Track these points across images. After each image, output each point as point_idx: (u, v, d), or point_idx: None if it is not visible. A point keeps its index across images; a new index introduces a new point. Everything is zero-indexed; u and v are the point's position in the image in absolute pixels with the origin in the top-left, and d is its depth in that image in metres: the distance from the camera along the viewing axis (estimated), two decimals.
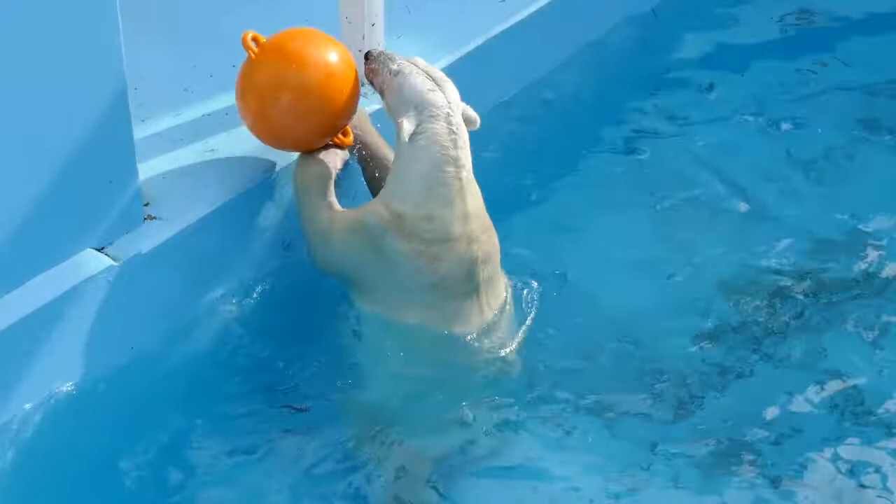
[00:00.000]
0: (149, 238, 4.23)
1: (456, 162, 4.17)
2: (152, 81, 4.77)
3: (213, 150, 4.53)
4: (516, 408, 4.35)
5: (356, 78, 4.37)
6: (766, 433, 4.33)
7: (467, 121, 4.25)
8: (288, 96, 4.28)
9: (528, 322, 4.52)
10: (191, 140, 4.58)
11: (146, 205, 4.30)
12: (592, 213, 5.11)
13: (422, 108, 4.16)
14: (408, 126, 4.13)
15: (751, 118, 5.68)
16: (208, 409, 4.28)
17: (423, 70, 4.25)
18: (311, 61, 4.29)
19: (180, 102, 4.69)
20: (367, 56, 4.35)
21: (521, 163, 5.28)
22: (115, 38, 3.91)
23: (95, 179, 4.08)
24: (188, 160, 4.49)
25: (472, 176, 4.24)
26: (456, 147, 4.17)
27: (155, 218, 4.29)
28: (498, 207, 4.42)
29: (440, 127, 4.15)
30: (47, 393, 4.09)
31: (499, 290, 4.40)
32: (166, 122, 4.66)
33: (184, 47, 4.92)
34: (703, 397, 4.43)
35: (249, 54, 4.29)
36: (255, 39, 4.31)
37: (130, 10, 4.08)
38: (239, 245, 4.43)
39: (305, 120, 4.32)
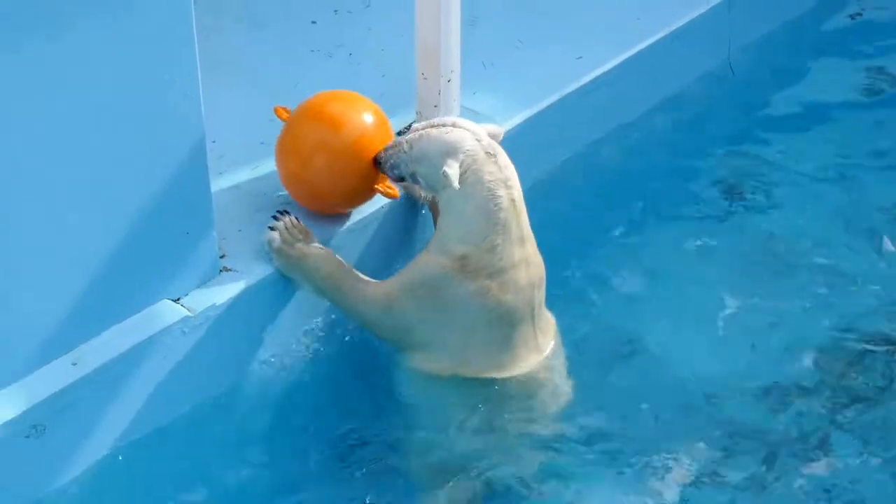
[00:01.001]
0: (224, 290, 4.26)
1: (506, 183, 4.16)
2: (230, 135, 4.83)
3: (289, 202, 4.56)
4: (574, 461, 4.32)
5: (390, 138, 4.43)
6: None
7: (493, 136, 4.25)
8: (322, 157, 4.38)
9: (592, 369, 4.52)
10: (267, 193, 4.62)
11: (222, 257, 4.33)
12: (668, 267, 5.07)
13: (453, 151, 4.15)
14: (453, 172, 4.11)
15: (833, 173, 5.60)
16: (275, 459, 4.29)
17: (426, 126, 4.27)
18: (343, 122, 4.38)
19: (257, 156, 4.73)
20: (377, 160, 4.35)
21: (595, 217, 5.26)
22: (195, 91, 3.97)
23: (173, 231, 4.13)
24: (264, 213, 4.52)
25: (521, 196, 4.23)
26: (501, 169, 4.16)
27: (230, 270, 4.32)
28: (571, 261, 4.41)
29: (479, 157, 4.14)
30: (121, 440, 4.12)
31: (548, 318, 4.39)
32: (243, 175, 4.70)
33: (262, 101, 4.96)
34: (775, 459, 4.36)
35: (283, 119, 4.44)
36: (286, 111, 4.47)
37: (209, 62, 4.14)
38: (313, 299, 4.44)
39: (340, 179, 4.41)
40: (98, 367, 3.99)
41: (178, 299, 4.20)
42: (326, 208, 4.54)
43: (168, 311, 4.16)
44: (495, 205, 4.14)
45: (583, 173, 5.41)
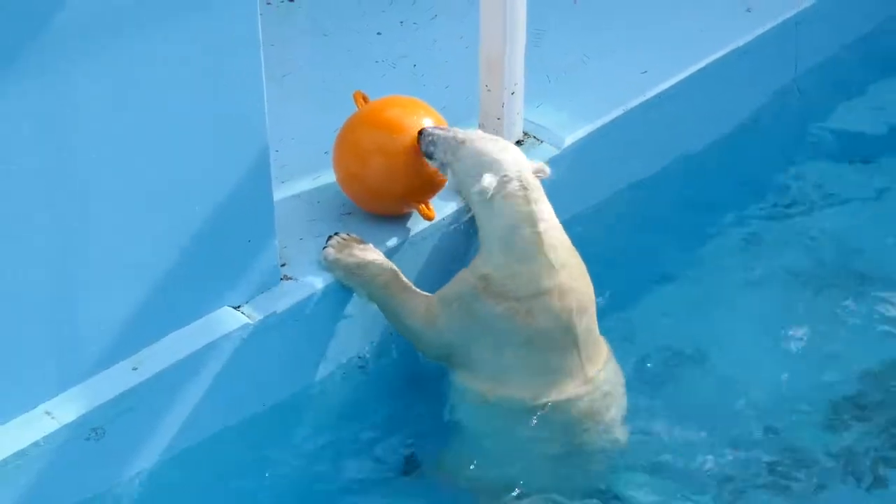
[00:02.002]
0: (284, 298, 4.28)
1: (530, 217, 4.14)
2: (294, 144, 4.86)
3: (349, 213, 4.58)
4: (625, 485, 4.30)
5: None
6: None
7: (537, 171, 4.25)
8: (380, 160, 4.43)
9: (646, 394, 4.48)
10: (328, 202, 4.64)
11: (283, 265, 4.35)
12: (730, 289, 5.03)
13: (496, 169, 4.17)
14: (489, 182, 4.14)
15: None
16: (329, 468, 4.30)
17: (481, 135, 4.32)
18: (402, 125, 4.44)
19: (320, 165, 4.75)
20: (422, 132, 4.38)
21: (658, 236, 5.23)
22: (259, 100, 3.99)
23: (235, 239, 4.16)
24: (325, 222, 4.54)
25: (555, 228, 4.21)
26: (529, 202, 4.15)
27: (291, 278, 4.34)
28: (631, 280, 4.38)
29: (513, 185, 4.15)
30: (179, 445, 4.15)
31: (598, 343, 4.34)
32: (305, 184, 4.73)
33: (326, 111, 4.99)
34: (826, 486, 4.32)
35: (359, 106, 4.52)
36: (364, 98, 4.54)
37: (275, 72, 4.17)
38: (371, 309, 4.45)
39: (394, 182, 4.45)
40: (158, 372, 4.02)
41: (239, 307, 4.23)
42: (382, 209, 4.57)
43: (228, 319, 4.19)
44: (516, 235, 4.15)
45: (645, 188, 5.38)
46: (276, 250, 4.29)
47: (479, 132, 4.37)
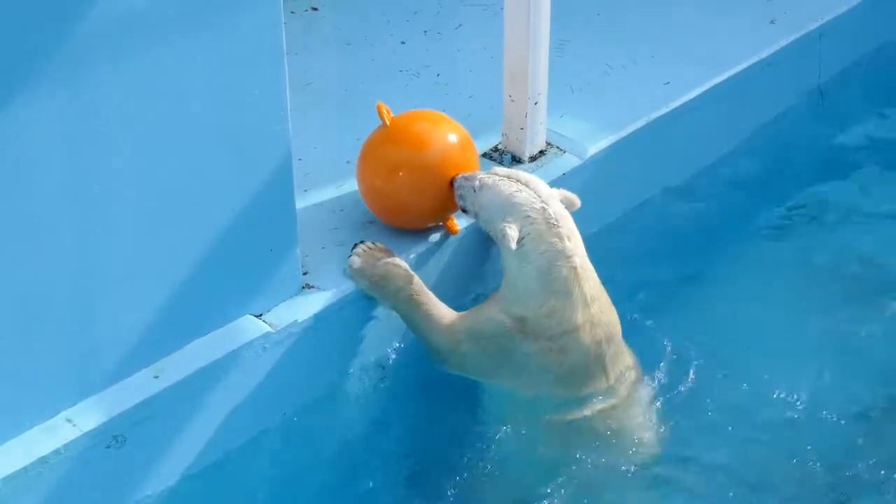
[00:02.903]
0: (306, 307, 4.28)
1: (564, 253, 4.13)
2: (316, 153, 4.86)
3: (371, 221, 4.57)
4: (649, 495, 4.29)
5: (475, 161, 4.49)
6: None
7: (568, 204, 4.23)
8: (405, 174, 4.41)
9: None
10: (351, 211, 4.64)
11: (305, 274, 4.35)
12: (754, 298, 5.01)
13: (516, 212, 4.15)
14: (511, 233, 4.11)
15: None
16: (352, 476, 4.30)
17: (504, 176, 4.26)
18: (428, 141, 4.44)
19: (343, 174, 4.75)
20: (453, 182, 4.38)
21: (681, 246, 5.22)
22: (283, 109, 3.99)
23: (257, 247, 4.16)
24: (347, 231, 4.54)
25: (585, 261, 4.21)
26: (561, 239, 4.14)
27: (313, 287, 4.34)
28: (655, 290, 4.37)
29: (540, 225, 4.13)
30: (201, 453, 4.14)
31: (624, 362, 4.35)
32: (328, 193, 4.73)
33: (349, 120, 5.00)
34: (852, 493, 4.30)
35: (383, 121, 4.44)
36: (387, 109, 4.47)
37: (298, 81, 4.17)
38: (392, 317, 4.44)
39: (420, 198, 4.44)
40: (179, 380, 4.02)
41: (261, 315, 4.23)
42: (405, 224, 4.56)
43: (250, 327, 4.19)
44: (553, 275, 4.14)
45: (668, 198, 5.37)
46: (299, 259, 4.29)
47: (499, 172, 4.31)
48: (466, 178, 4.33)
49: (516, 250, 4.13)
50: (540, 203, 4.16)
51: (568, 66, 5.42)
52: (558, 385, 4.22)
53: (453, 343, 4.26)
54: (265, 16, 3.85)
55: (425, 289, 4.31)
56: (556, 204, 4.20)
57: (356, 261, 4.31)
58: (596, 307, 4.21)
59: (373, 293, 4.33)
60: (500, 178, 4.26)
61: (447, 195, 4.42)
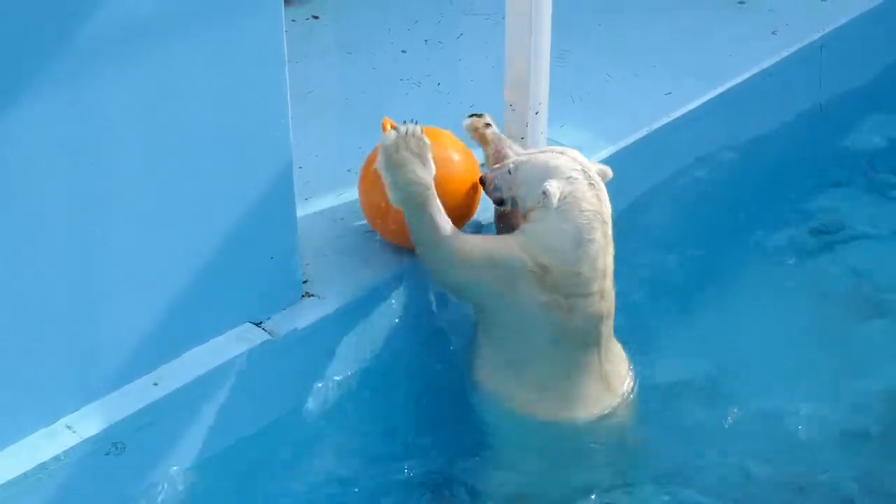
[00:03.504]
0: (306, 315, 4.28)
1: (602, 217, 4.16)
2: (317, 161, 4.86)
3: (372, 230, 4.58)
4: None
5: (477, 173, 4.44)
6: None
7: (602, 175, 4.24)
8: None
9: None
10: (352, 220, 4.64)
11: (305, 282, 4.35)
12: (753, 312, 5.01)
13: (558, 173, 4.15)
14: (553, 190, 4.11)
15: None
16: (351, 483, 4.29)
17: (535, 151, 4.30)
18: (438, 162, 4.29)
19: (344, 182, 4.76)
20: (482, 180, 4.38)
21: (681, 256, 5.22)
22: (284, 116, 4.00)
23: (258, 255, 4.16)
24: (348, 240, 4.55)
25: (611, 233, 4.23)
26: (601, 202, 4.17)
27: (313, 295, 4.34)
28: (650, 297, 4.37)
29: (582, 184, 4.15)
30: (200, 460, 4.14)
31: (615, 350, 4.36)
32: (329, 201, 4.73)
33: (350, 128, 5.01)
34: None
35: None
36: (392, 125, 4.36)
37: (299, 89, 4.17)
38: (391, 327, 4.45)
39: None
40: (179, 387, 4.02)
41: (261, 323, 4.23)
42: (407, 243, 4.52)
43: (250, 335, 4.19)
44: (589, 236, 4.14)
45: (668, 209, 5.37)
46: (299, 267, 4.29)
47: (528, 152, 4.34)
48: (497, 167, 4.34)
49: (557, 207, 4.12)
50: (580, 166, 4.18)
51: (569, 75, 5.43)
52: (553, 346, 4.21)
53: (465, 258, 4.19)
54: (266, 24, 3.86)
55: (437, 200, 4.20)
56: (594, 173, 4.22)
57: (389, 138, 4.19)
58: (608, 281, 4.23)
59: (385, 176, 4.20)
60: (535, 153, 4.29)
61: (452, 211, 4.36)
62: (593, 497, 4.25)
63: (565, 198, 4.12)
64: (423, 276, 4.49)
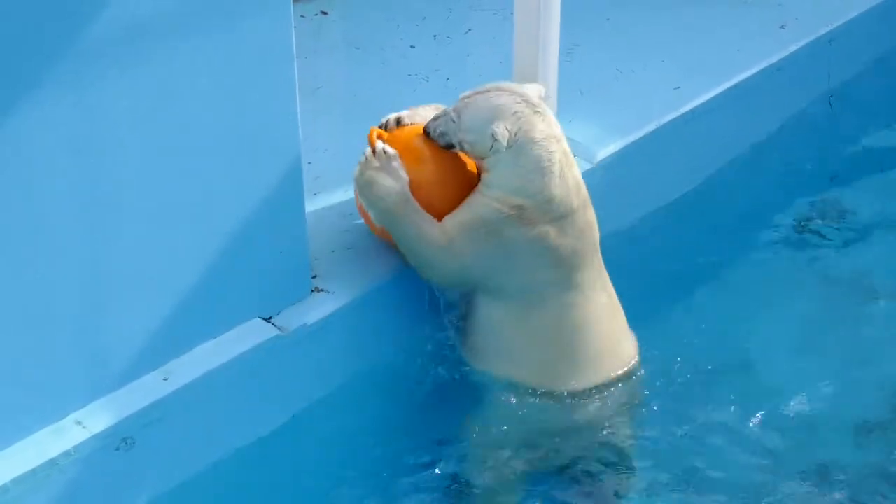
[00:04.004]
0: (315, 310, 4.28)
1: (557, 138, 4.17)
2: (326, 156, 4.87)
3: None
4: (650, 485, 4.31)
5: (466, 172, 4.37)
6: None
7: (538, 94, 4.24)
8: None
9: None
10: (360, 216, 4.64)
11: (314, 277, 4.36)
12: (762, 304, 5.00)
13: (502, 113, 4.13)
14: (501, 132, 4.10)
15: None
16: (363, 478, 4.30)
17: (472, 94, 4.23)
18: (427, 157, 4.30)
19: (352, 178, 4.73)
20: (426, 130, 4.29)
21: (690, 250, 5.22)
22: (292, 111, 4.00)
23: (267, 250, 4.16)
24: (357, 235, 4.55)
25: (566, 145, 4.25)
26: (550, 125, 4.17)
27: (322, 290, 4.34)
28: (659, 290, 4.36)
29: (530, 116, 4.14)
30: (210, 456, 4.15)
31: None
32: (337, 196, 4.73)
33: (358, 123, 4.99)
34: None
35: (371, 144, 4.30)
36: (380, 137, 4.32)
37: (308, 84, 4.17)
38: (401, 322, 4.45)
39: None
40: (188, 382, 4.02)
41: (270, 318, 4.23)
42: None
43: (259, 330, 4.19)
44: (549, 160, 4.14)
45: (676, 203, 5.37)
46: (308, 262, 4.29)
47: (466, 93, 4.27)
48: (439, 115, 4.27)
49: (510, 148, 4.12)
50: (520, 97, 4.16)
51: (577, 70, 5.43)
52: (554, 269, 4.22)
53: (444, 245, 4.21)
54: (275, 20, 3.86)
55: (412, 201, 4.22)
56: (534, 93, 4.21)
57: (356, 170, 4.26)
58: (584, 191, 4.26)
59: (363, 202, 4.28)
60: (472, 96, 4.22)
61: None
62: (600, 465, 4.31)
63: (515, 135, 4.12)
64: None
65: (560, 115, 4.87)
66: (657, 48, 5.66)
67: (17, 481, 3.74)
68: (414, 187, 4.25)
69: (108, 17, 3.51)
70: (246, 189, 4.01)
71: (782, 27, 5.84)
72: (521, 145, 4.13)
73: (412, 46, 5.65)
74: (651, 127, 5.18)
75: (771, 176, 5.64)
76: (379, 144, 4.25)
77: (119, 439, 3.91)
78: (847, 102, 6.01)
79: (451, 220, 4.23)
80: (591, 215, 4.28)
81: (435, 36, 5.72)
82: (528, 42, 4.68)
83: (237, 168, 3.96)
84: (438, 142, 4.27)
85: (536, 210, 4.16)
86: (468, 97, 4.23)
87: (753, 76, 5.54)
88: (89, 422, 3.88)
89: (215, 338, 4.13)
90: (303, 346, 4.24)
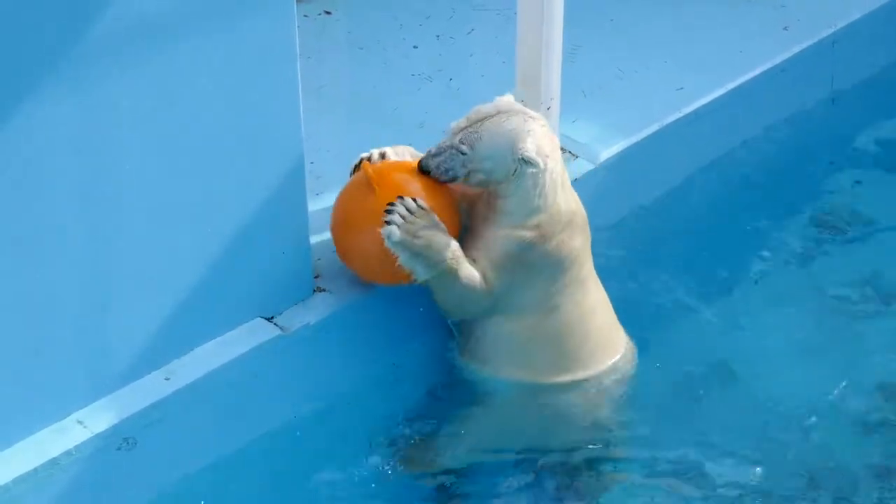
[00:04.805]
0: (317, 310, 4.28)
1: (559, 149, 4.22)
2: (329, 156, 4.86)
3: None
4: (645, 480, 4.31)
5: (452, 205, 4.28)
6: None
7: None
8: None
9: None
10: None
11: (316, 277, 4.35)
12: (762, 300, 5.01)
13: (521, 137, 4.08)
14: (532, 154, 4.06)
15: None
16: (367, 477, 4.30)
17: (477, 120, 4.14)
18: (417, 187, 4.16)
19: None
20: (422, 166, 4.16)
21: (692, 250, 5.22)
22: (295, 111, 4.00)
23: (269, 250, 4.16)
24: None
25: None
26: (553, 139, 4.19)
27: (324, 290, 4.34)
28: (661, 289, 4.36)
29: (540, 132, 4.13)
30: (211, 456, 4.15)
31: None
32: None
33: (361, 123, 5.01)
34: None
35: (373, 187, 4.17)
36: (375, 171, 4.19)
37: (311, 84, 4.16)
38: (403, 322, 4.45)
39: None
40: (190, 382, 4.02)
41: (272, 318, 4.23)
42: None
43: (261, 329, 4.19)
44: (559, 174, 4.17)
45: (680, 203, 5.36)
46: (310, 262, 4.29)
47: (459, 123, 4.17)
48: (442, 150, 4.14)
49: (532, 168, 4.08)
50: (525, 114, 4.15)
51: (580, 71, 5.42)
52: (568, 271, 4.25)
53: (486, 289, 4.19)
54: (279, 19, 3.86)
55: (461, 254, 4.15)
56: (517, 104, 4.22)
57: (395, 232, 4.03)
58: (568, 183, 4.28)
59: (412, 265, 4.10)
60: (475, 125, 4.14)
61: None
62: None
63: (536, 153, 4.09)
64: None
65: (563, 115, 4.88)
66: (660, 49, 5.65)
67: (19, 480, 3.74)
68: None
69: (109, 17, 3.51)
70: (248, 189, 4.01)
71: (785, 28, 5.83)
72: (544, 167, 4.13)
73: (415, 46, 5.65)
74: (654, 127, 5.17)
75: (773, 177, 5.63)
76: (409, 203, 4.05)
77: (121, 439, 3.91)
78: (850, 104, 6.00)
79: (489, 265, 4.20)
80: (582, 209, 4.30)
81: (438, 36, 5.71)
82: (531, 42, 4.67)
83: (239, 168, 3.96)
84: (441, 177, 4.15)
85: (550, 223, 4.17)
86: (469, 128, 4.14)
87: (756, 77, 5.53)
88: (91, 421, 3.89)
89: (217, 337, 4.13)
90: (305, 346, 4.24)
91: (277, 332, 4.19)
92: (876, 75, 6.14)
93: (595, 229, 4.30)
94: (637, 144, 5.11)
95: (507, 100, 4.21)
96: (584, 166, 4.94)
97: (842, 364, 4.74)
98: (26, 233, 3.59)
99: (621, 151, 5.04)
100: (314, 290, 4.33)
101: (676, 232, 5.26)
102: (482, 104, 4.20)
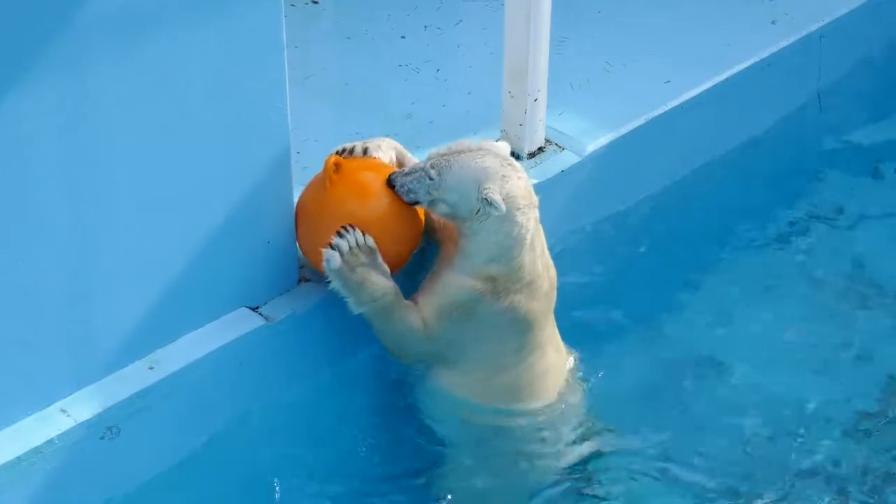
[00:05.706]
0: (302, 300, 4.28)
1: (535, 205, 4.07)
2: (315, 146, 4.85)
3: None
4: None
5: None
6: None
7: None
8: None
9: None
10: None
11: (301, 267, 4.35)
12: (750, 299, 5.03)
13: (491, 176, 3.98)
14: (497, 198, 3.95)
15: None
16: (351, 467, 4.32)
17: (449, 153, 4.07)
18: (373, 192, 4.13)
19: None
20: (390, 181, 4.10)
21: (678, 244, 5.23)
22: (282, 102, 3.99)
23: (254, 239, 4.15)
24: None
25: None
26: (529, 190, 4.05)
27: (309, 280, 4.33)
28: (650, 287, 4.35)
29: (514, 180, 4.01)
30: (195, 445, 4.15)
31: None
32: None
33: (348, 114, 5.00)
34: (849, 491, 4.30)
35: (327, 181, 4.13)
36: (336, 164, 4.14)
37: (297, 74, 4.15)
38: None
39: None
40: (174, 371, 4.02)
41: (257, 308, 4.22)
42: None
43: (246, 319, 4.18)
44: (526, 228, 4.03)
45: (666, 196, 5.37)
46: (296, 252, 4.28)
47: (437, 150, 4.10)
48: (412, 171, 4.07)
49: (497, 213, 3.97)
50: (505, 160, 4.04)
51: (568, 63, 5.42)
52: (522, 334, 4.16)
53: (424, 333, 4.13)
54: (265, 9, 3.85)
55: (401, 296, 4.12)
56: (506, 152, 4.09)
57: (335, 259, 4.02)
58: (546, 253, 4.17)
59: (343, 294, 4.08)
60: (451, 155, 4.05)
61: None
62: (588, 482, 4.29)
63: (503, 199, 3.97)
64: (419, 261, 4.48)
65: (550, 107, 4.89)
66: (648, 41, 5.65)
67: (1, 469, 3.74)
68: (363, 224, 4.08)
69: (96, 5, 3.50)
70: (234, 178, 4.00)
71: (773, 23, 5.83)
72: (508, 211, 4.00)
73: (403, 37, 5.64)
74: (640, 120, 5.17)
75: (760, 171, 5.65)
76: (358, 236, 4.01)
77: (104, 428, 3.91)
78: (837, 98, 6.01)
79: (427, 307, 4.13)
80: (553, 274, 4.19)
81: (426, 26, 5.71)
82: (519, 34, 4.67)
83: (225, 157, 3.95)
84: (403, 197, 4.09)
85: (507, 280, 4.07)
86: (446, 156, 4.06)
87: (743, 71, 5.53)
88: (74, 410, 3.88)
89: (202, 327, 4.13)
90: (290, 336, 4.23)
91: (262, 321, 4.19)
92: (863, 70, 6.15)
93: (579, 221, 4.28)
94: (624, 137, 5.10)
95: (498, 145, 4.12)
96: (570, 159, 4.93)
97: (837, 361, 4.78)
98: (10, 221, 3.58)
99: (608, 144, 5.04)
100: (299, 281, 4.32)
101: (662, 224, 5.26)
102: (470, 139, 4.16)
